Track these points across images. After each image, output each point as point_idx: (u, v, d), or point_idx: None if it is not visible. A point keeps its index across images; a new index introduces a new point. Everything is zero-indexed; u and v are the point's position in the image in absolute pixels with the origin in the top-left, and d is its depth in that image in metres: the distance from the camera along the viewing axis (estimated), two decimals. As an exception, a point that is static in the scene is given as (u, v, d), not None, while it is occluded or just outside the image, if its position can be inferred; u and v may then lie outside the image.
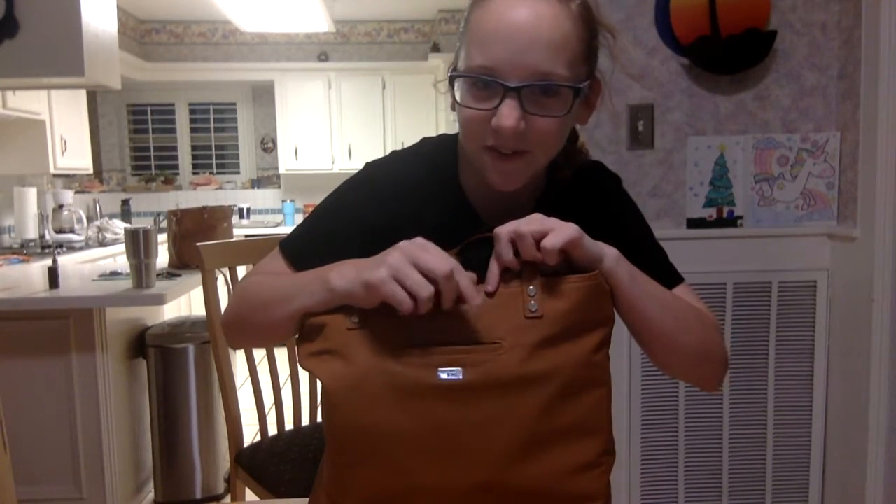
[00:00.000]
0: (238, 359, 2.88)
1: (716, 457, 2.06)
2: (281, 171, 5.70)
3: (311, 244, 0.93)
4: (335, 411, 0.75)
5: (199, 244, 1.64)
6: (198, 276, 2.05)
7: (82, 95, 4.37)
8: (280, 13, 4.26)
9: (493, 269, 0.76)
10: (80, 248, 3.96)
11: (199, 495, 2.59)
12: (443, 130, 1.17)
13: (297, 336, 0.82)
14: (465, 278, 0.72)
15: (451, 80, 0.83)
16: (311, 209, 0.97)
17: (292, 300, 0.80)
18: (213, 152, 6.18)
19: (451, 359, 0.72)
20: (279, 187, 6.08)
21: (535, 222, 0.74)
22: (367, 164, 0.96)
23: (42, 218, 4.04)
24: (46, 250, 3.83)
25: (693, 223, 1.99)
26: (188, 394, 2.54)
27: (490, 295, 0.75)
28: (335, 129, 5.63)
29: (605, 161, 1.03)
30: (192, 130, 6.13)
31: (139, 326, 2.59)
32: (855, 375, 1.92)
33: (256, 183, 6.10)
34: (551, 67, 0.77)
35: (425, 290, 0.70)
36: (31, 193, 3.98)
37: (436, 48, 5.53)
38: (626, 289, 0.79)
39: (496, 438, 0.72)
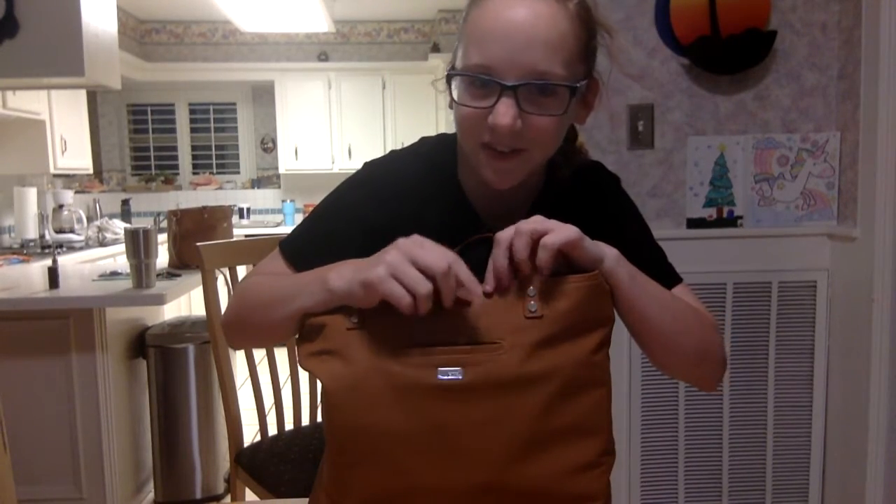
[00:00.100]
0: (238, 359, 2.88)
1: (716, 457, 2.06)
2: (281, 171, 5.70)
3: (311, 244, 0.93)
4: (335, 411, 0.75)
5: (199, 244, 1.64)
6: (198, 276, 2.05)
7: (82, 95, 4.37)
8: (280, 13, 4.26)
9: (491, 271, 0.76)
10: (80, 248, 3.96)
11: (199, 495, 2.59)
12: (442, 130, 1.18)
13: (296, 336, 0.82)
14: (464, 271, 0.71)
15: (449, 79, 0.83)
16: (311, 209, 0.97)
17: (292, 301, 0.80)
18: (213, 152, 6.18)
19: (451, 359, 0.72)
20: (279, 187, 6.08)
21: (535, 223, 0.74)
22: (366, 164, 0.96)
23: (42, 218, 4.04)
24: (46, 250, 3.83)
25: (693, 223, 1.99)
26: (188, 394, 2.54)
27: (488, 295, 0.75)
28: (335, 129, 5.63)
29: (605, 161, 1.03)
30: (192, 130, 6.13)
31: (139, 326, 2.59)
32: (855, 375, 1.92)
33: (256, 183, 6.10)
34: (548, 67, 0.77)
35: (423, 286, 0.70)
36: (31, 193, 3.98)
37: (436, 48, 5.53)
38: (626, 289, 0.79)
39: (496, 438, 0.72)
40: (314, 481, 0.86)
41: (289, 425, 1.73)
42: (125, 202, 5.70)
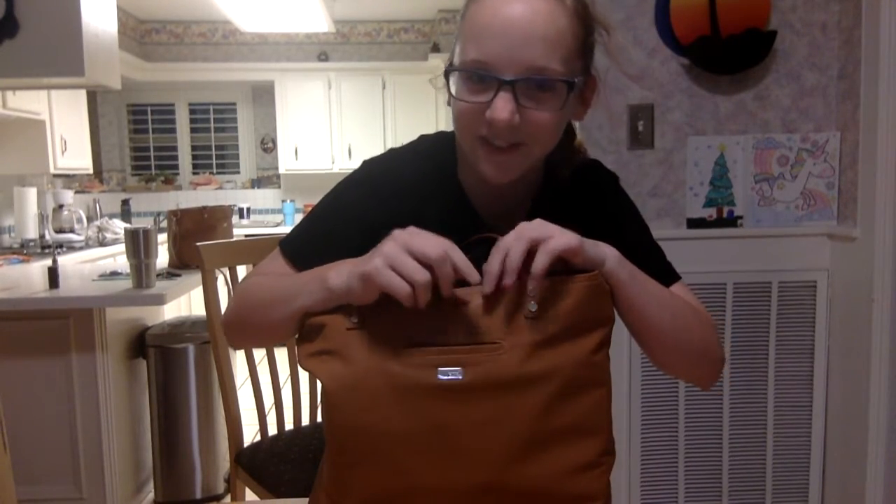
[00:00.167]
0: (238, 359, 2.88)
1: (716, 457, 2.06)
2: (281, 171, 5.70)
3: (311, 244, 0.93)
4: (335, 411, 0.75)
5: (199, 244, 1.64)
6: (198, 276, 2.05)
7: (82, 95, 4.37)
8: (280, 13, 4.26)
9: (488, 272, 0.75)
10: (80, 248, 3.96)
11: (199, 495, 2.59)
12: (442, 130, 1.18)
13: (296, 336, 0.82)
14: (461, 258, 0.71)
15: (447, 75, 0.83)
16: (311, 209, 0.97)
17: (291, 300, 0.80)
18: (213, 152, 6.18)
19: (451, 359, 0.72)
20: (279, 187, 6.08)
21: (536, 229, 0.73)
22: (365, 163, 0.96)
23: (42, 218, 4.04)
24: (46, 250, 3.83)
25: (693, 223, 1.99)
26: (188, 394, 2.54)
27: (486, 297, 0.74)
28: (335, 129, 5.63)
29: (605, 161, 1.03)
30: (192, 130, 6.13)
31: (139, 326, 2.59)
32: (855, 375, 1.92)
33: (256, 183, 6.10)
34: (546, 62, 0.78)
35: (420, 274, 0.70)
36: (31, 193, 3.98)
37: (436, 48, 5.53)
38: (627, 289, 0.79)
39: (496, 438, 0.72)
40: (314, 481, 0.86)
41: (289, 425, 1.73)
42: (125, 202, 5.70)
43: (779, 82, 1.96)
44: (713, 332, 0.88)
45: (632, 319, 0.82)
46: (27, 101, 3.69)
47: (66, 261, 3.59)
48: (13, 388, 2.30)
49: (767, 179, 1.98)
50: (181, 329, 2.55)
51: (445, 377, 0.72)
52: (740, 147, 1.97)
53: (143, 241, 2.27)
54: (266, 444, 1.62)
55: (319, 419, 1.60)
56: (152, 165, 6.09)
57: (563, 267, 0.76)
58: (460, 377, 0.72)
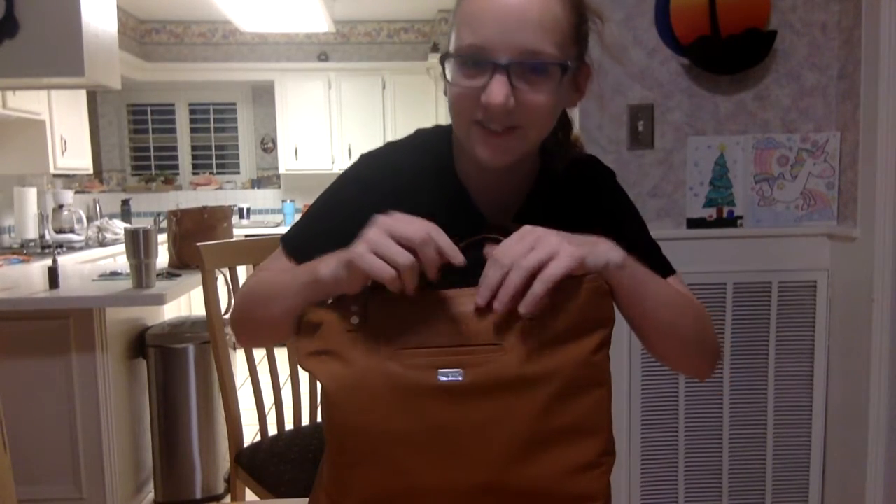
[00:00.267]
0: (238, 359, 2.88)
1: (716, 457, 2.06)
2: (281, 171, 5.70)
3: (311, 239, 0.93)
4: (335, 411, 0.75)
5: (199, 244, 1.64)
6: (198, 276, 2.05)
7: (82, 95, 4.37)
8: (280, 13, 4.26)
9: (487, 288, 0.73)
10: (80, 248, 3.96)
11: (199, 495, 2.60)
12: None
13: (295, 334, 0.82)
14: (445, 240, 0.72)
15: (443, 62, 0.84)
16: (311, 204, 0.98)
17: (287, 294, 0.81)
18: (213, 152, 6.18)
19: (452, 360, 0.72)
20: (279, 187, 6.08)
21: (537, 252, 0.71)
22: (363, 156, 0.97)
23: (42, 218, 4.04)
24: (46, 250, 3.83)
25: (693, 223, 1.99)
26: (188, 394, 2.54)
27: (479, 310, 0.73)
28: (335, 129, 5.63)
29: (605, 161, 1.03)
30: (192, 130, 6.13)
31: (139, 326, 2.59)
32: (855, 375, 1.92)
33: (256, 183, 6.10)
34: (540, 46, 0.79)
35: (403, 258, 0.70)
36: (31, 193, 3.98)
37: (436, 48, 5.53)
38: (628, 287, 0.79)
39: (496, 439, 0.72)
40: (314, 481, 0.86)
41: (289, 425, 1.73)
42: (125, 202, 5.70)
43: (779, 82, 1.96)
44: (710, 325, 0.89)
45: (634, 315, 0.83)
46: (27, 101, 3.69)
47: (66, 261, 3.59)
48: (13, 388, 2.30)
49: (767, 179, 1.98)
50: (181, 329, 2.55)
51: (446, 378, 0.72)
52: (740, 147, 1.97)
53: (143, 241, 2.27)
54: (266, 445, 1.62)
55: (319, 419, 1.60)
56: (152, 165, 6.09)
57: None
58: (460, 378, 0.72)
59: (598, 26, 0.87)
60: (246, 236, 4.39)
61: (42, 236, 4.00)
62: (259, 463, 1.55)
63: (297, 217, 1.03)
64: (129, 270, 2.36)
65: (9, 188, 4.05)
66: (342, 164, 5.59)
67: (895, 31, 1.76)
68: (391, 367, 0.73)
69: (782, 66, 1.95)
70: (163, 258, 2.60)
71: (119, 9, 5.05)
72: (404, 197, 0.90)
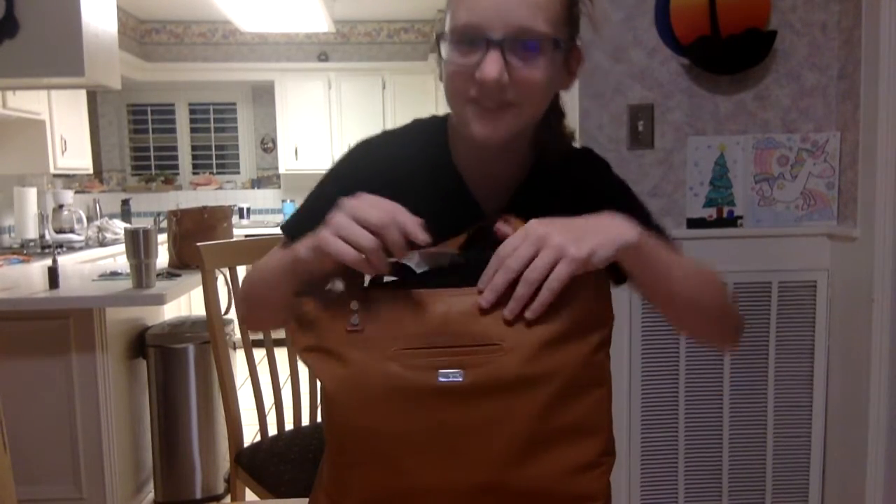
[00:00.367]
0: (238, 359, 2.88)
1: (716, 457, 2.06)
2: (281, 171, 5.70)
3: (308, 226, 0.94)
4: (335, 412, 0.75)
5: (199, 244, 1.64)
6: (198, 276, 2.05)
7: (82, 95, 4.37)
8: (280, 13, 4.25)
9: (492, 290, 0.74)
10: (80, 248, 3.96)
11: (199, 495, 2.60)
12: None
13: (293, 323, 0.83)
14: (410, 222, 0.73)
15: (438, 42, 0.85)
16: (310, 191, 1.00)
17: (276, 276, 0.86)
18: (213, 152, 6.17)
19: (452, 361, 0.72)
20: (279, 187, 6.08)
21: (541, 258, 0.71)
22: (360, 143, 0.98)
23: (42, 218, 4.04)
24: (46, 250, 3.83)
25: (693, 223, 1.99)
26: (188, 394, 2.54)
27: (483, 311, 0.74)
28: (335, 129, 5.63)
29: (606, 161, 1.03)
30: (192, 130, 6.12)
31: (139, 326, 2.59)
32: (855, 375, 1.92)
33: (256, 183, 6.10)
34: (533, 23, 0.80)
35: (366, 240, 0.72)
36: (31, 193, 3.98)
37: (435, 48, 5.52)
38: (648, 263, 0.78)
39: (496, 439, 0.72)
40: (314, 481, 0.86)
41: (289, 425, 1.73)
42: (125, 202, 5.70)
43: (779, 82, 1.96)
44: (728, 292, 0.89)
45: (656, 290, 0.83)
46: (27, 101, 3.69)
47: (66, 261, 3.59)
48: (13, 388, 2.30)
49: (767, 179, 1.98)
50: (181, 329, 2.55)
51: (446, 379, 0.72)
52: (740, 147, 1.97)
53: (143, 241, 2.27)
54: (266, 445, 1.62)
55: (319, 419, 1.60)
56: (152, 165, 6.09)
57: None
58: (460, 379, 0.72)
59: (589, 7, 0.89)
60: (246, 236, 4.39)
61: (42, 236, 4.00)
62: (259, 463, 1.55)
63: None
64: (129, 270, 2.36)
65: (9, 188, 4.05)
66: (342, 164, 5.58)
67: (895, 31, 1.76)
68: (391, 368, 0.73)
69: (782, 66, 1.95)
70: (163, 258, 2.60)
71: (119, 9, 5.05)
72: (399, 185, 0.91)
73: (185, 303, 3.93)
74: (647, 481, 2.06)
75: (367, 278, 0.80)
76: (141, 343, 2.55)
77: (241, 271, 1.75)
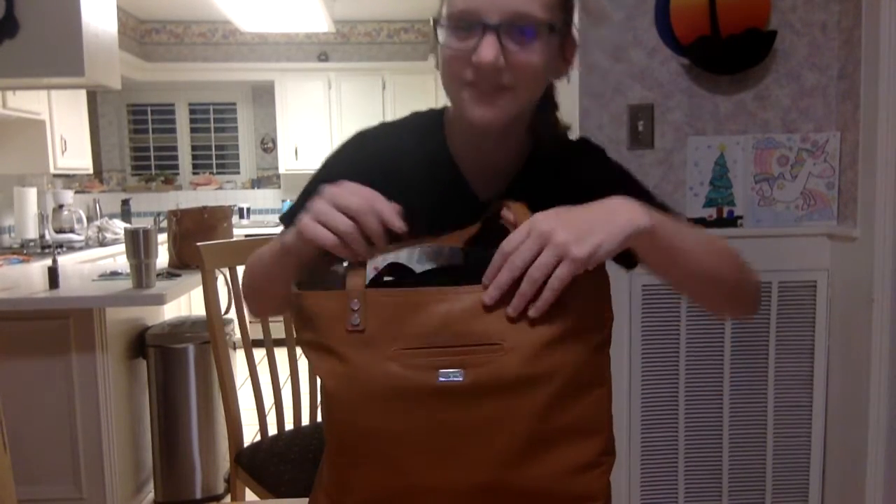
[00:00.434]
0: (238, 359, 2.88)
1: (716, 457, 2.06)
2: (281, 171, 5.69)
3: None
4: (335, 412, 0.75)
5: (199, 244, 1.64)
6: (198, 276, 2.05)
7: (82, 95, 4.37)
8: (280, 13, 4.26)
9: (496, 287, 0.74)
10: (80, 248, 3.96)
11: (199, 495, 2.59)
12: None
13: (292, 315, 0.83)
14: (387, 208, 0.75)
15: (435, 28, 0.85)
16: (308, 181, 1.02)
17: (268, 263, 0.88)
18: (213, 152, 6.17)
19: (452, 361, 0.72)
20: (279, 187, 6.08)
21: (544, 256, 0.71)
22: (358, 134, 0.99)
23: (42, 218, 4.04)
24: (46, 250, 3.83)
25: (693, 223, 1.99)
26: (188, 394, 2.54)
27: (487, 308, 0.74)
28: (335, 129, 5.63)
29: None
30: (192, 130, 6.12)
31: (139, 326, 2.59)
32: (855, 375, 1.92)
33: (256, 183, 6.10)
34: (529, 9, 0.81)
35: (343, 225, 0.74)
36: (31, 193, 3.98)
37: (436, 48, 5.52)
38: (664, 244, 0.78)
39: (497, 439, 0.72)
40: (314, 481, 0.86)
41: (289, 425, 1.73)
42: (125, 202, 5.70)
43: (779, 82, 1.96)
44: (742, 259, 0.88)
45: (673, 269, 0.82)
46: (27, 101, 3.68)
47: (66, 261, 3.58)
48: (13, 388, 2.30)
49: (767, 179, 1.98)
50: (181, 329, 2.55)
51: (446, 379, 0.72)
52: (740, 147, 1.97)
53: (143, 241, 2.27)
54: (266, 444, 1.62)
55: (319, 419, 1.60)
56: (152, 165, 6.09)
57: None
58: (461, 379, 0.72)
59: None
60: (246, 236, 4.39)
61: (42, 236, 4.00)
62: (259, 463, 1.55)
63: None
64: (129, 270, 2.36)
65: (9, 188, 4.05)
66: (342, 164, 5.58)
67: (895, 31, 1.76)
68: (392, 368, 0.73)
69: (782, 66, 1.95)
70: (163, 258, 2.60)
71: (119, 9, 5.05)
72: (395, 175, 0.92)
73: (185, 303, 3.92)
74: (647, 481, 2.06)
75: (369, 279, 0.80)
76: (141, 343, 2.55)
77: (242, 271, 1.75)
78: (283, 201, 5.89)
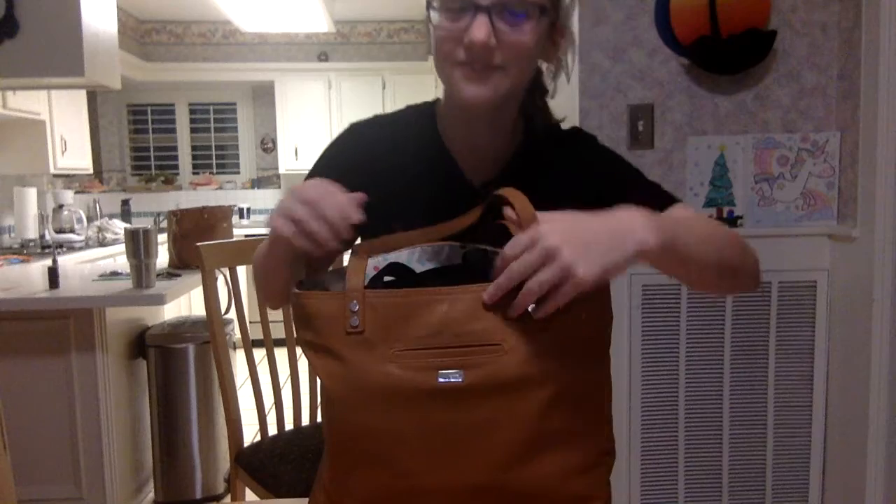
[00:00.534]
0: (238, 359, 2.88)
1: (716, 457, 2.05)
2: (281, 171, 5.70)
3: None
4: (335, 413, 0.75)
5: (199, 244, 1.64)
6: (198, 276, 2.05)
7: (82, 95, 4.37)
8: (280, 13, 4.26)
9: (497, 286, 0.73)
10: (80, 248, 3.96)
11: (199, 495, 2.59)
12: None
13: (293, 314, 0.83)
14: (344, 198, 0.75)
15: (428, 10, 0.87)
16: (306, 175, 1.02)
17: (265, 254, 0.88)
18: (213, 152, 6.17)
19: (452, 361, 0.72)
20: (279, 187, 6.08)
21: (547, 271, 0.69)
22: (352, 126, 1.00)
23: (42, 218, 4.04)
24: (46, 250, 3.83)
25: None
26: (188, 394, 2.54)
27: (486, 307, 0.73)
28: (335, 129, 5.62)
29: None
30: (192, 130, 6.12)
31: (139, 326, 2.59)
32: (855, 375, 1.92)
33: (256, 183, 6.10)
34: None
35: (300, 212, 0.74)
36: (31, 193, 3.98)
37: (436, 48, 5.52)
38: (671, 254, 0.76)
39: (497, 440, 0.72)
40: (314, 481, 0.86)
41: (289, 425, 1.73)
42: (125, 202, 5.70)
43: (779, 82, 1.96)
44: (739, 237, 0.88)
45: (682, 271, 0.82)
46: (27, 101, 3.68)
47: (66, 261, 3.59)
48: (13, 388, 2.30)
49: (767, 179, 1.98)
50: (181, 329, 2.55)
51: (446, 380, 0.72)
52: (740, 147, 1.97)
53: (143, 241, 2.27)
54: (266, 445, 1.62)
55: (319, 419, 1.60)
56: (152, 165, 6.09)
57: None
58: (460, 380, 0.72)
59: None
60: (246, 236, 4.38)
61: (42, 236, 4.00)
62: (259, 463, 1.55)
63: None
64: (129, 270, 2.36)
65: (9, 188, 4.05)
66: (342, 164, 5.58)
67: (895, 31, 1.76)
68: (391, 369, 0.73)
69: (782, 66, 1.95)
70: (163, 258, 2.60)
71: (119, 9, 5.05)
72: (389, 165, 0.94)
73: (185, 303, 3.92)
74: (647, 481, 2.06)
75: (366, 278, 0.80)
76: (141, 343, 2.55)
77: (242, 271, 1.75)
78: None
